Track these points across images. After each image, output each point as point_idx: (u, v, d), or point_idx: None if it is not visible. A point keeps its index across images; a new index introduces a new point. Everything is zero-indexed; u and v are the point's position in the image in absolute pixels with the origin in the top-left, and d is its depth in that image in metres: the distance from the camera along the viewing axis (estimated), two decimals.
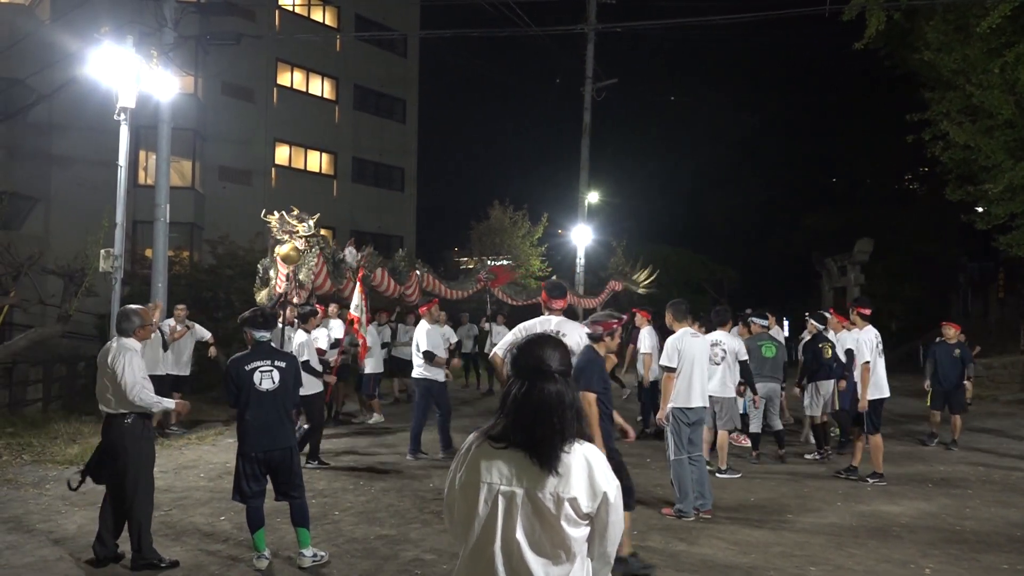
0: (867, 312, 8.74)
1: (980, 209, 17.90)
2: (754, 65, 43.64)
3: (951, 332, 11.06)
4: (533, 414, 2.13)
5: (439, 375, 9.42)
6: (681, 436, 6.96)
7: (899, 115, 17.87)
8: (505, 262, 23.35)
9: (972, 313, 29.60)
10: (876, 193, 35.38)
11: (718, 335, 8.50)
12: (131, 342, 5.51)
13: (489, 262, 15.96)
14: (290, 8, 26.30)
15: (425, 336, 9.44)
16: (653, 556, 5.80)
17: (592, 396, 5.24)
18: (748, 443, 10.36)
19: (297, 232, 9.39)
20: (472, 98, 54.47)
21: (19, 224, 19.21)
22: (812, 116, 37.93)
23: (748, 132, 40.53)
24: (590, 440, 2.22)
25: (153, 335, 10.37)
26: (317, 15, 27.46)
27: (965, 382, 10.92)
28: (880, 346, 8.59)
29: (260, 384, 5.36)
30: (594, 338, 5.56)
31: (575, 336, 6.22)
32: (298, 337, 8.90)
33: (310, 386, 8.54)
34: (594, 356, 5.44)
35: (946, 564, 5.75)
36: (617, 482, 2.20)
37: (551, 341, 2.29)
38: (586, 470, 2.13)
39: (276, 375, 5.41)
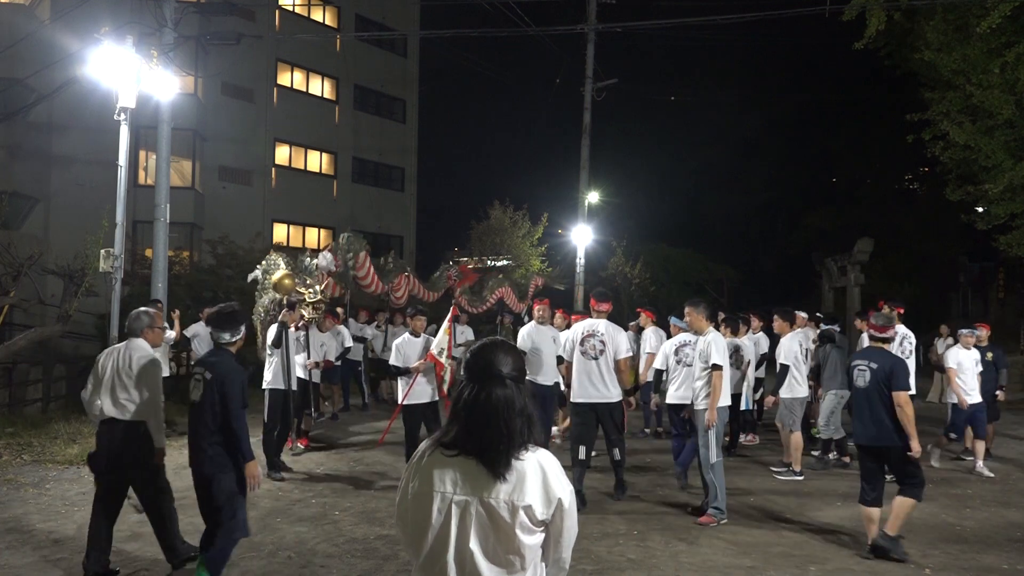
0: (901, 311, 9.00)
1: (980, 209, 17.91)
2: (755, 65, 43.76)
3: (983, 333, 10.02)
4: (481, 419, 2.10)
5: (548, 379, 8.67)
6: (720, 437, 6.89)
7: (899, 115, 17.88)
8: (505, 262, 23.39)
9: (972, 313, 29.55)
10: (876, 193, 35.37)
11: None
12: (148, 347, 5.29)
13: (452, 263, 16.03)
14: (290, 8, 26.31)
15: (529, 338, 8.90)
16: (654, 556, 5.81)
17: (906, 395, 5.69)
18: (757, 441, 10.50)
19: (303, 299, 9.54)
20: (472, 98, 54.56)
21: (19, 224, 19.20)
22: (813, 116, 37.92)
23: (748, 132, 40.59)
24: (544, 447, 2.19)
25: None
26: (317, 15, 27.47)
27: (997, 392, 9.96)
28: (908, 344, 8.74)
29: (191, 392, 4.80)
30: (885, 340, 6.03)
31: (622, 340, 7.06)
32: (404, 340, 8.23)
33: (421, 394, 8.06)
34: (897, 358, 5.92)
35: (946, 564, 5.75)
36: (571, 487, 2.17)
37: (505, 346, 2.25)
38: (540, 476, 2.10)
39: (201, 387, 4.72)
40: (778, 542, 6.20)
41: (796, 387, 8.69)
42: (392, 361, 8.07)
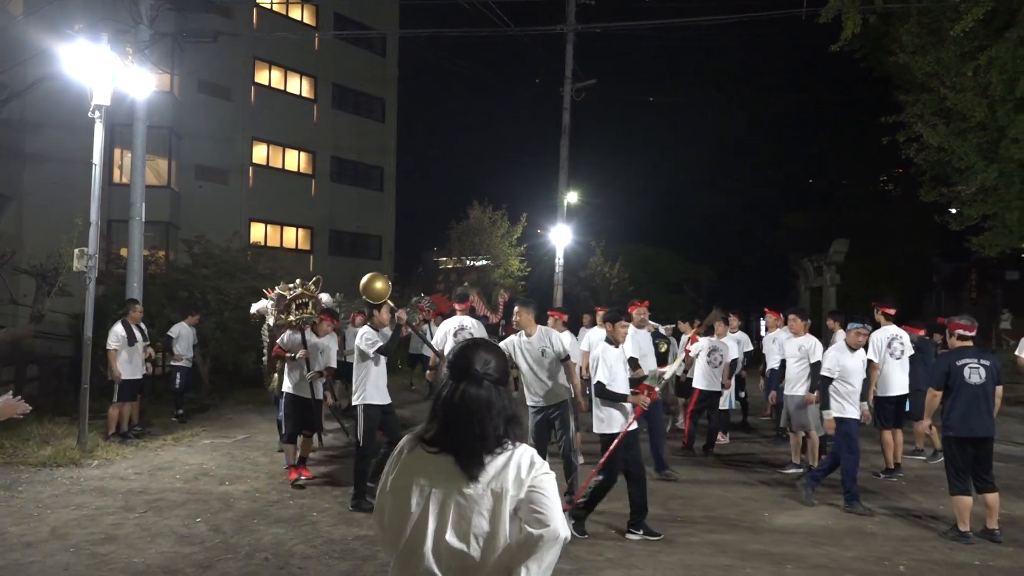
0: (891, 312, 9.05)
1: (954, 210, 18.14)
2: (734, 67, 43.84)
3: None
4: (457, 418, 2.12)
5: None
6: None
7: (876, 117, 18.07)
8: (484, 262, 23.39)
9: (945, 313, 30.03)
10: (854, 194, 35.78)
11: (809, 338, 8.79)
12: None
13: (423, 296, 15.99)
14: (268, 6, 26.12)
15: (629, 342, 8.43)
16: (632, 555, 5.83)
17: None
18: (727, 441, 10.54)
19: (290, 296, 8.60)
20: (452, 97, 54.32)
21: None
22: (792, 118, 38.21)
23: (728, 133, 40.81)
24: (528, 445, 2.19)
25: (140, 340, 10.31)
26: (295, 13, 27.28)
27: None
28: (898, 345, 8.83)
29: None
30: (973, 338, 6.41)
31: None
32: (604, 350, 6.63)
33: (614, 422, 6.37)
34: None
35: (920, 561, 5.83)
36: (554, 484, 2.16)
37: (488, 346, 2.27)
38: (515, 469, 2.10)
39: None
40: (755, 541, 6.24)
41: (805, 385, 8.73)
42: (599, 377, 6.31)
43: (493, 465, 2.10)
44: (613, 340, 6.47)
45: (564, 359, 7.16)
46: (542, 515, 2.07)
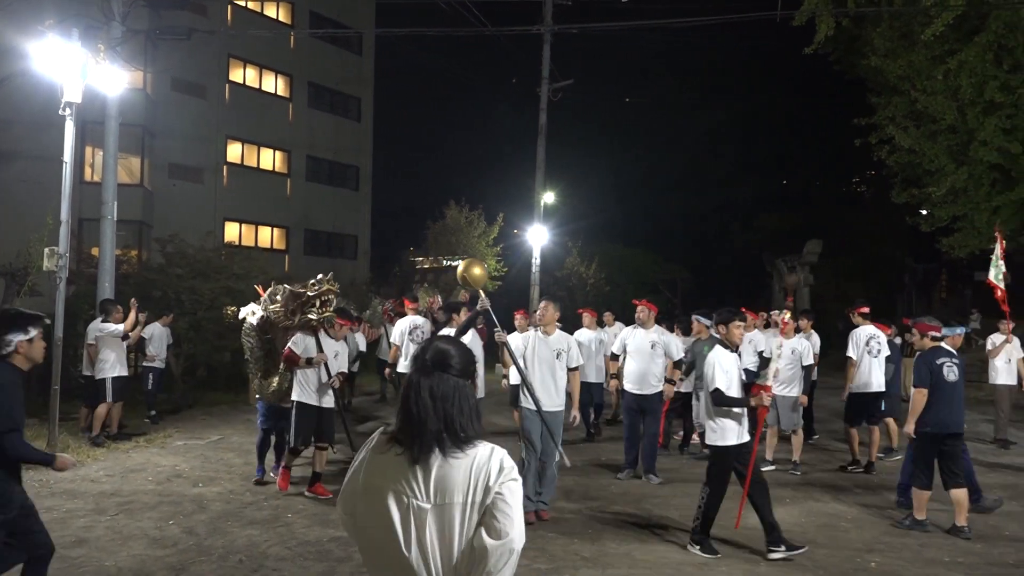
0: (867, 310, 9.24)
1: (924, 212, 18.42)
2: (710, 68, 44.22)
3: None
4: (412, 407, 2.11)
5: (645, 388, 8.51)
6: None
7: (849, 119, 18.30)
8: (460, 262, 23.33)
9: (916, 314, 30.44)
10: (827, 195, 36.23)
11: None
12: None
13: (385, 301, 15.87)
14: (243, 3, 25.90)
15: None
16: (607, 554, 5.86)
17: None
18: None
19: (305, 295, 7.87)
20: (428, 97, 54.19)
21: None
22: (766, 119, 38.59)
23: (703, 134, 41.12)
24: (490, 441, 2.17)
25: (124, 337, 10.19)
26: (271, 11, 27.09)
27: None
28: (876, 344, 9.00)
29: None
30: (943, 338, 6.71)
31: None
32: (721, 354, 6.10)
33: (729, 433, 5.96)
34: None
35: (891, 557, 5.91)
36: (519, 486, 2.11)
37: (449, 340, 2.26)
38: (485, 476, 2.06)
39: None
40: (730, 539, 6.29)
41: (797, 386, 8.91)
42: (717, 384, 5.88)
43: (462, 467, 2.06)
44: (728, 343, 6.10)
45: (573, 369, 6.94)
46: (501, 524, 2.03)
